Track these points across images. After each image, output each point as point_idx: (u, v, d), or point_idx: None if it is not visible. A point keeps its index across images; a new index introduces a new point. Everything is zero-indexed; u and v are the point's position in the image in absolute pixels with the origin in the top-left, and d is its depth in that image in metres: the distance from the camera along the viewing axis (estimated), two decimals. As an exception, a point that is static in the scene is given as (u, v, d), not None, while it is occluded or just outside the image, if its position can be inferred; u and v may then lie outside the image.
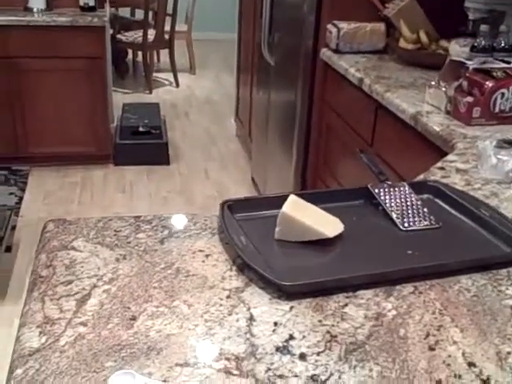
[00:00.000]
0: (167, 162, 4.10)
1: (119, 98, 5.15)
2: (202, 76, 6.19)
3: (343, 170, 2.53)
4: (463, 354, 0.83)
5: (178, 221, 1.14)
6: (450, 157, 1.52)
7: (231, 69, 4.70)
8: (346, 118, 2.47)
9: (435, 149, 1.71)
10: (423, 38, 2.35)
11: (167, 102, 5.42)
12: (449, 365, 0.80)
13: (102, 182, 3.89)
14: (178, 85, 5.82)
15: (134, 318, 0.86)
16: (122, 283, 0.94)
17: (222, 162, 4.29)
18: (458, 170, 1.43)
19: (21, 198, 3.55)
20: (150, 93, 5.56)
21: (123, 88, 5.67)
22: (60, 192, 3.72)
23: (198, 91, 5.81)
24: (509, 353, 0.83)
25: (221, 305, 0.90)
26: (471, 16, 2.16)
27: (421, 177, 1.39)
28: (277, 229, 1.07)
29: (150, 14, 5.52)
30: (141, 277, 0.96)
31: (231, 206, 1.13)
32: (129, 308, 0.88)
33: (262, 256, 0.99)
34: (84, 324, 0.85)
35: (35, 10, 3.56)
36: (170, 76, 5.91)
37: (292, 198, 1.11)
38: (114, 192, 3.79)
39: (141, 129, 4.05)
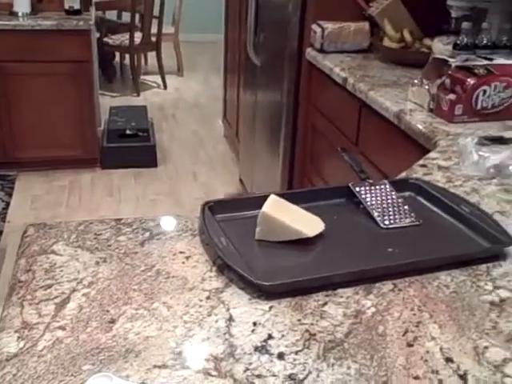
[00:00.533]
0: (155, 165, 4.09)
1: (107, 101, 5.14)
2: (190, 78, 6.19)
3: (329, 169, 2.53)
4: (441, 349, 0.83)
5: (159, 223, 1.14)
6: (432, 154, 1.53)
7: (219, 70, 4.70)
8: (331, 118, 2.48)
9: (418, 146, 1.71)
10: (407, 36, 2.36)
11: (155, 104, 5.41)
12: (426, 361, 0.81)
13: (90, 185, 3.88)
14: (165, 87, 5.81)
15: (112, 321, 0.86)
16: (102, 286, 0.94)
17: (210, 163, 4.29)
18: (439, 167, 1.44)
19: (8, 204, 3.54)
20: (138, 95, 5.55)
21: (111, 91, 5.66)
22: (47, 196, 3.70)
23: (185, 93, 5.81)
24: (486, 347, 0.84)
25: (200, 306, 0.90)
26: (454, 14, 2.17)
27: (403, 174, 1.40)
28: (257, 229, 1.08)
29: (137, 16, 5.51)
30: (121, 279, 0.96)
31: (212, 207, 1.13)
32: (108, 311, 0.88)
33: (242, 256, 0.99)
34: (62, 328, 0.84)
35: (20, 14, 3.55)
36: (157, 78, 5.90)
37: (272, 197, 1.11)
38: (102, 195, 3.78)
39: (128, 132, 4.04)
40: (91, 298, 0.91)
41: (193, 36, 6.68)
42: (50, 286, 0.94)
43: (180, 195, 3.82)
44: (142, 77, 5.98)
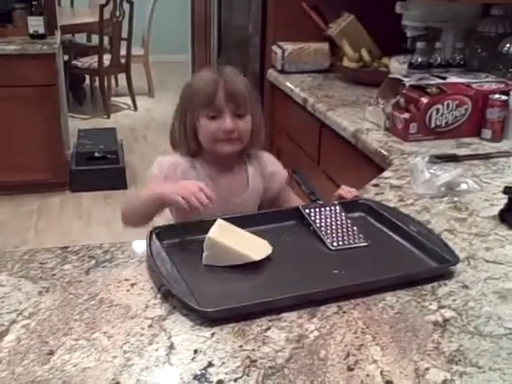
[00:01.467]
0: (125, 187, 4.06)
1: (77, 124, 5.10)
2: (161, 98, 6.17)
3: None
4: (381, 372, 0.83)
5: (107, 249, 1.13)
6: (385, 173, 1.54)
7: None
8: (295, 139, 2.49)
9: (375, 165, 1.73)
10: (365, 56, 2.39)
11: (125, 126, 5.39)
12: (366, 384, 0.81)
13: (59, 209, 3.83)
14: (136, 108, 5.80)
15: (51, 353, 0.85)
16: (43, 317, 0.93)
17: (181, 184, 4.28)
18: (392, 187, 1.45)
19: (-27, 230, 3.48)
20: (108, 117, 5.52)
21: (81, 114, 5.62)
22: (15, 222, 3.65)
23: (156, 114, 5.79)
24: (427, 369, 0.84)
25: (142, 334, 0.89)
26: (409, 33, 2.21)
27: (355, 194, 1.40)
28: (204, 254, 1.07)
29: (107, 39, 5.51)
30: (62, 309, 0.95)
31: (160, 233, 1.12)
32: (47, 342, 0.87)
33: (186, 283, 0.98)
34: (-2, 361, 0.83)
35: (-16, 39, 3.52)
36: (128, 100, 5.88)
37: (219, 222, 1.11)
38: (72, 219, 3.73)
39: (96, 154, 4.01)
40: (31, 329, 0.90)
41: (162, 57, 6.67)
42: (-11, 319, 0.92)
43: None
44: (112, 98, 5.95)
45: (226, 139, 1.35)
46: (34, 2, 3.58)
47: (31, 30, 3.59)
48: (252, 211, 1.41)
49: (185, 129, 1.39)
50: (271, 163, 1.51)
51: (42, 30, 3.59)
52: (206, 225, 1.12)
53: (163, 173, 1.38)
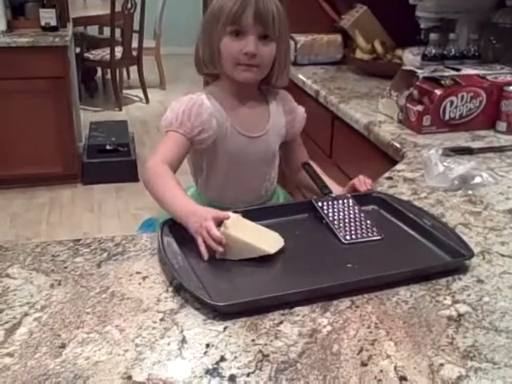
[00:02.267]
0: (136, 179, 4.07)
1: (89, 116, 5.12)
2: (173, 91, 6.17)
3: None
4: (395, 368, 0.82)
5: (119, 242, 1.13)
6: (398, 166, 1.53)
7: (201, 82, 4.71)
8: (308, 131, 2.45)
9: (388, 158, 1.71)
10: (378, 48, 2.37)
11: (137, 118, 5.40)
12: (380, 380, 0.80)
13: (71, 201, 3.85)
14: (147, 101, 5.80)
15: (63, 346, 0.85)
16: (55, 310, 0.92)
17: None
18: (405, 180, 1.44)
19: (-14, 222, 3.50)
20: (120, 110, 5.53)
21: (93, 106, 5.64)
22: (27, 214, 3.67)
23: (168, 106, 5.81)
24: (441, 364, 0.83)
25: (154, 328, 0.89)
26: (423, 25, 2.18)
27: (368, 187, 1.39)
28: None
29: (118, 31, 5.51)
30: (74, 302, 0.94)
31: (172, 226, 1.12)
32: (59, 335, 0.87)
33: (197, 276, 0.98)
34: (11, 355, 0.83)
35: (-4, 31, 3.54)
36: (140, 92, 5.89)
37: (231, 215, 1.10)
38: (83, 211, 3.75)
39: (108, 147, 4.02)
40: (43, 322, 0.90)
41: (174, 49, 6.67)
42: (1, 311, 0.92)
43: (162, 209, 3.80)
44: (124, 91, 5.96)
45: (246, 64, 1.29)
46: (45, -5, 3.59)
47: (43, 23, 3.60)
48: (273, 151, 1.42)
49: (210, 48, 1.32)
50: (290, 100, 1.47)
51: (53, 23, 3.60)
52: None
53: (178, 121, 1.31)
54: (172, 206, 1.17)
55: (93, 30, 6.21)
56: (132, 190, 4.01)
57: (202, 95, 1.34)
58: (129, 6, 5.25)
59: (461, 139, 1.72)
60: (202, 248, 1.04)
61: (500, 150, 1.65)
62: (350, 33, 2.48)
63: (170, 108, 1.34)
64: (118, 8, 5.14)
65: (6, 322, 0.89)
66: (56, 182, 3.95)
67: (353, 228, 1.16)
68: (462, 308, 0.95)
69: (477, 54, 2.03)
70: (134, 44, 5.49)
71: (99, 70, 6.03)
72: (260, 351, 0.84)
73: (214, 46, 1.31)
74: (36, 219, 3.62)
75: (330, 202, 1.23)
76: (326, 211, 1.21)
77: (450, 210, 1.29)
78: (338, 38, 2.54)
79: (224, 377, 0.79)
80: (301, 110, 1.48)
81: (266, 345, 0.86)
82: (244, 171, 1.40)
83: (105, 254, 1.08)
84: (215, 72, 1.36)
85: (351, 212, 1.21)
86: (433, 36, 2.00)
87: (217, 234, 1.04)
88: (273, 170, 1.47)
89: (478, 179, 1.41)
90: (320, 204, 1.22)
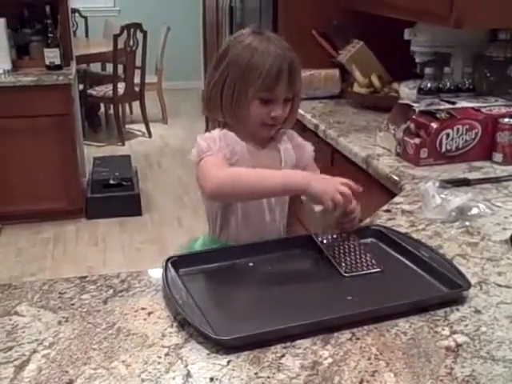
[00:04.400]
0: (140, 213, 4.10)
1: (92, 151, 5.18)
2: (175, 125, 6.25)
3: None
4: (395, 398, 0.84)
5: (123, 279, 1.15)
6: (396, 199, 1.56)
7: (201, 117, 4.76)
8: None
9: (387, 190, 1.74)
10: (375, 81, 2.42)
11: (140, 152, 5.46)
12: (380, 411, 0.82)
13: (75, 236, 3.88)
14: (150, 135, 5.87)
15: (70, 382, 0.87)
16: (62, 347, 0.95)
17: (195, 209, 4.30)
18: (403, 212, 1.47)
19: (-8, 257, 3.53)
20: (123, 145, 5.59)
21: (97, 141, 5.70)
22: (33, 249, 3.69)
23: (170, 140, 5.86)
24: (440, 395, 0.85)
25: (159, 363, 0.91)
26: (418, 59, 2.23)
27: (367, 220, 1.42)
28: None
29: (121, 67, 5.61)
30: (81, 339, 0.97)
31: (175, 262, 1.15)
32: (67, 372, 0.89)
33: (201, 311, 1.00)
34: (20, 391, 0.85)
35: (1, 71, 3.60)
36: (142, 127, 5.96)
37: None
38: (87, 246, 3.77)
39: (112, 181, 4.06)
40: (51, 358, 0.92)
41: (176, 84, 6.77)
42: (10, 349, 0.94)
43: (165, 242, 3.82)
44: (127, 126, 6.03)
45: (270, 124, 1.33)
46: (50, 35, 3.67)
47: (47, 62, 3.67)
48: None
49: (236, 104, 1.30)
50: (297, 136, 1.49)
51: (58, 61, 3.67)
52: (220, 253, 1.15)
53: (216, 145, 1.29)
54: (278, 174, 1.23)
55: (95, 67, 6.31)
56: (136, 224, 4.04)
57: (229, 133, 1.35)
58: (131, 43, 5.35)
59: (458, 170, 1.75)
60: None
61: (496, 180, 1.68)
62: (348, 67, 2.53)
63: (201, 138, 1.32)
64: (120, 45, 5.24)
65: (16, 359, 0.92)
66: (60, 217, 3.98)
67: (353, 261, 1.19)
68: (460, 338, 0.98)
69: (471, 86, 2.07)
70: (137, 80, 5.58)
71: (102, 105, 6.11)
72: (263, 384, 0.86)
73: (241, 104, 1.30)
74: (41, 254, 3.64)
75: (329, 236, 1.26)
76: (325, 245, 1.24)
77: (448, 241, 1.32)
78: (336, 72, 2.59)
79: (228, 410, 0.81)
80: (308, 145, 1.50)
81: (268, 377, 0.88)
82: (261, 209, 1.40)
83: (111, 291, 1.11)
84: (230, 121, 1.36)
85: (351, 245, 1.24)
86: (428, 70, 2.05)
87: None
88: (286, 205, 1.49)
89: (475, 210, 1.44)
90: (320, 238, 1.25)
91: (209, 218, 1.47)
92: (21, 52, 3.79)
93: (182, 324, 1.00)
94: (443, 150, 1.78)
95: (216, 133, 1.33)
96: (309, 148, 1.50)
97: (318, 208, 1.14)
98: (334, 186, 1.17)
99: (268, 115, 1.31)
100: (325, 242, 1.24)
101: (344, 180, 1.19)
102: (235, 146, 1.32)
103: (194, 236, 1.58)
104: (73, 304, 1.07)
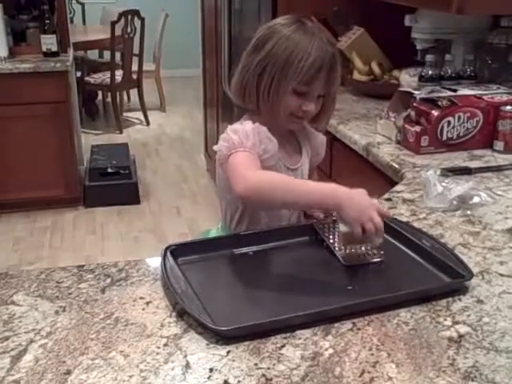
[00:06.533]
0: (137, 202, 4.09)
1: (90, 139, 5.15)
2: (173, 113, 6.22)
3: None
4: (397, 389, 0.83)
5: (121, 268, 1.14)
6: (397, 187, 1.54)
7: (201, 104, 4.74)
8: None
9: (387, 179, 1.73)
10: (375, 69, 2.40)
11: (138, 140, 5.43)
12: (382, 402, 0.81)
13: (72, 224, 3.86)
14: (148, 123, 5.84)
15: (68, 373, 0.86)
16: (60, 336, 0.94)
17: (194, 198, 4.29)
18: (404, 201, 1.45)
19: (-11, 246, 3.51)
20: (121, 133, 5.56)
21: (94, 129, 5.67)
22: (30, 237, 3.68)
23: (168, 128, 5.83)
24: (442, 386, 0.84)
25: (158, 353, 0.90)
26: (419, 46, 2.21)
27: (368, 209, 1.40)
28: None
29: (118, 54, 5.57)
30: (79, 329, 0.96)
31: (174, 251, 1.13)
32: (64, 362, 0.88)
33: (200, 300, 0.99)
34: (17, 382, 0.84)
35: (-2, 58, 3.57)
36: (140, 115, 5.93)
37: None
38: (85, 234, 3.76)
39: (109, 170, 4.04)
40: (48, 349, 0.91)
41: (174, 71, 6.73)
42: (7, 338, 0.93)
43: (164, 231, 3.81)
44: (124, 114, 6.00)
45: (299, 117, 1.30)
46: (46, 21, 3.63)
47: (44, 48, 3.64)
48: (306, 179, 1.40)
49: (272, 94, 1.27)
50: (310, 127, 1.46)
51: (54, 48, 3.64)
52: (220, 242, 1.13)
53: (249, 141, 1.24)
54: (308, 193, 1.16)
55: (93, 54, 6.26)
56: (134, 213, 4.02)
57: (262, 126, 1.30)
58: (129, 30, 5.30)
59: (459, 159, 1.74)
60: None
61: (498, 169, 1.66)
62: (348, 55, 2.51)
63: (233, 130, 1.27)
64: (117, 32, 5.19)
65: (12, 349, 0.91)
66: (58, 206, 3.96)
67: (353, 250, 1.18)
68: (463, 329, 0.96)
69: (473, 74, 2.05)
70: (134, 67, 5.54)
71: (100, 93, 6.08)
72: (263, 375, 0.85)
73: (277, 94, 1.27)
74: (38, 243, 3.63)
75: (330, 225, 1.24)
76: (326, 234, 1.22)
77: (449, 230, 1.31)
78: (336, 59, 2.56)
79: (228, 401, 0.80)
80: (321, 136, 1.48)
81: (268, 368, 0.87)
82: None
83: (108, 280, 1.10)
84: (263, 111, 1.33)
85: (351, 234, 1.22)
86: (429, 57, 2.03)
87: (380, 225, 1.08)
88: None
89: (476, 199, 1.43)
90: (320, 226, 1.24)
91: (226, 210, 1.41)
92: (17, 39, 3.75)
93: (181, 314, 0.99)
94: (444, 137, 1.76)
95: (249, 127, 1.27)
96: (322, 140, 1.49)
97: (343, 228, 1.10)
98: (369, 214, 1.09)
99: (299, 108, 1.28)
100: (325, 230, 1.23)
101: (380, 207, 1.13)
102: (268, 145, 1.27)
103: (205, 229, 1.56)
104: (70, 293, 1.05)
